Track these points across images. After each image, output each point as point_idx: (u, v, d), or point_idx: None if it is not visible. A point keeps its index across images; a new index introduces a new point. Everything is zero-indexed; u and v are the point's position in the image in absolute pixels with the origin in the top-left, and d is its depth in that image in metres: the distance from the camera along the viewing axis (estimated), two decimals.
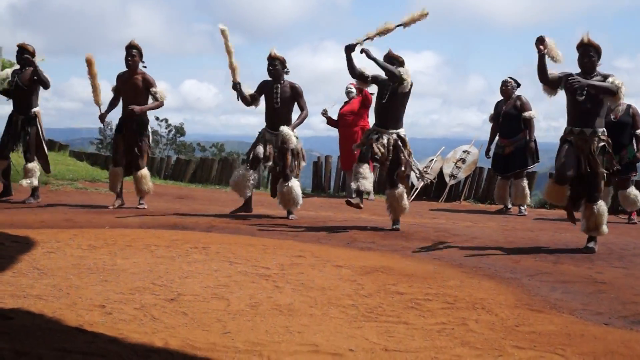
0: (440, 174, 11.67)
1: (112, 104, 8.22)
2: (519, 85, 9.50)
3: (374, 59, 6.65)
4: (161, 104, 8.17)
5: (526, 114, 9.15)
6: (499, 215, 9.42)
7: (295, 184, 7.52)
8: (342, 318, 3.46)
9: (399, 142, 6.86)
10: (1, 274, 4.08)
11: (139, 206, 8.04)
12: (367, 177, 6.81)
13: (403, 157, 6.85)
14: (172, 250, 5.09)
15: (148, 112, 8.12)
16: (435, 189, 11.73)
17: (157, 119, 27.74)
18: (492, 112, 9.74)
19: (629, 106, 8.53)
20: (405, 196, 6.91)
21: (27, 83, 8.03)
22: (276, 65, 7.54)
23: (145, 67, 8.07)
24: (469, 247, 6.03)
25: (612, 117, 8.55)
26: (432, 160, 11.87)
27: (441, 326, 3.40)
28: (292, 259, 4.98)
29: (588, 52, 5.69)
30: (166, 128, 27.64)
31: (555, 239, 6.80)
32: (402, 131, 6.98)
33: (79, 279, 4.03)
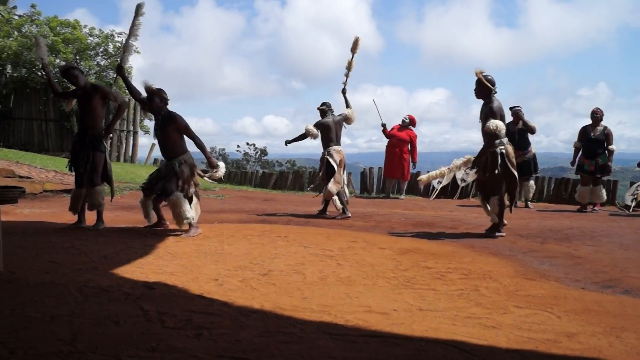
0: (454, 178, 11.48)
1: None
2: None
3: None
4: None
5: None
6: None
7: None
8: (387, 286, 3.45)
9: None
10: (146, 257, 4.20)
11: None
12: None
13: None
14: (263, 239, 5.15)
15: None
16: (451, 190, 11.53)
17: (247, 144, 28.20)
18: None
19: (605, 127, 8.31)
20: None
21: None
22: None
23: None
24: (477, 233, 5.90)
25: (591, 135, 8.32)
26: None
27: (460, 291, 3.35)
28: (349, 244, 4.98)
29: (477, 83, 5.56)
30: (254, 150, 28.02)
31: (540, 225, 6.60)
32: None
33: (199, 260, 4.13)
